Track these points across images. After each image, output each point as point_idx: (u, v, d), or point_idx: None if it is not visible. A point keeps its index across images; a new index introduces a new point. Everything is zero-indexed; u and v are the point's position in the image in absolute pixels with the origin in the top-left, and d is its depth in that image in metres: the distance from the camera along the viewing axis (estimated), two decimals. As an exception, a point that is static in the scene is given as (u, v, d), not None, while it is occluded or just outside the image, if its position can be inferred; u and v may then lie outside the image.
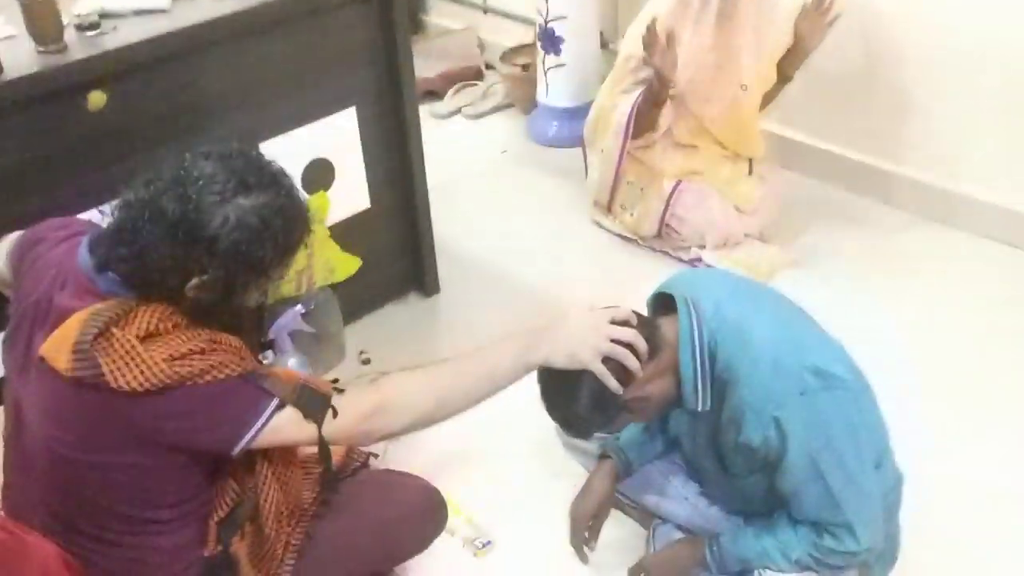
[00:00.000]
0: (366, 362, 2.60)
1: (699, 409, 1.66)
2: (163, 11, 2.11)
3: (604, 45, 3.68)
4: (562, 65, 3.53)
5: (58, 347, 1.41)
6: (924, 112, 2.98)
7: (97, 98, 1.96)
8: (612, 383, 1.55)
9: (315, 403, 1.50)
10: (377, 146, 2.55)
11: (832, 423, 1.60)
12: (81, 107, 1.95)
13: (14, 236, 1.67)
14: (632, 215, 2.98)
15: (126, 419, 1.43)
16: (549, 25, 3.47)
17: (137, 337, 1.40)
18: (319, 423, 1.49)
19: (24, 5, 1.91)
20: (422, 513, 1.86)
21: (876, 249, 2.97)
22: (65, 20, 1.98)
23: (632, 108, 2.82)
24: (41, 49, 1.92)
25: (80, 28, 2.00)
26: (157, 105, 2.07)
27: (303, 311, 2.32)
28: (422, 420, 1.57)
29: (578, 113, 3.53)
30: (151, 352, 1.39)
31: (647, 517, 2.04)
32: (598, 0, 3.56)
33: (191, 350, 1.42)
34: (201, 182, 1.42)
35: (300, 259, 2.38)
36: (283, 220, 1.46)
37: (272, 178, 1.48)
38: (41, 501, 1.55)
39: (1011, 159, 2.86)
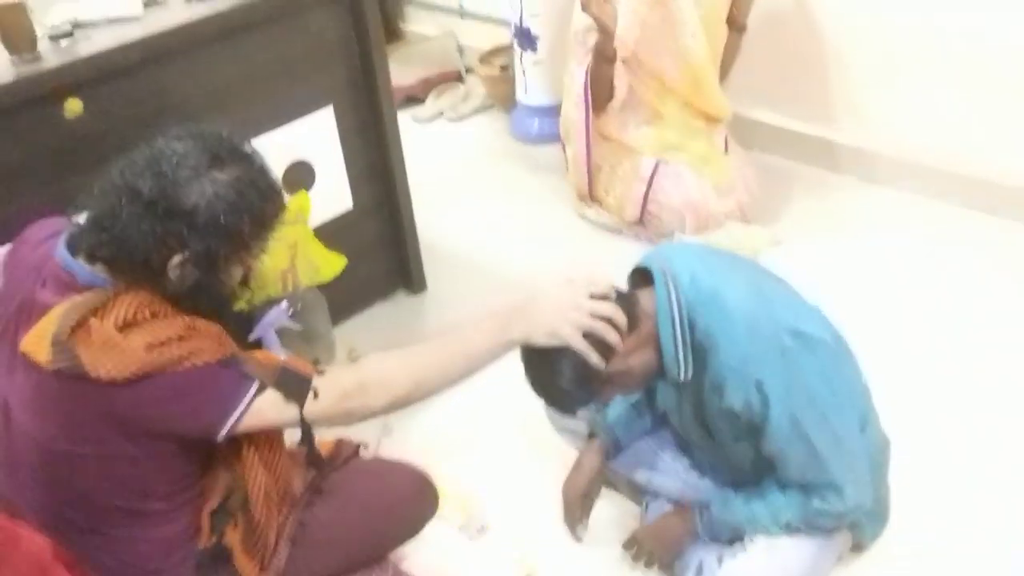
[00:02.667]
0: (355, 360, 2.61)
1: (681, 378, 1.67)
2: (135, 18, 2.13)
3: (581, 41, 3.71)
4: (539, 62, 3.56)
5: (38, 341, 1.42)
6: (894, 88, 3.01)
7: (73, 105, 1.98)
8: (593, 357, 1.57)
9: (296, 384, 1.51)
10: (356, 145, 2.57)
11: (813, 382, 1.62)
12: (58, 114, 1.97)
13: (3, 249, 1.69)
14: (614, 198, 3.00)
15: (109, 408, 1.44)
16: (524, 23, 3.50)
17: (115, 326, 1.41)
18: (300, 404, 1.51)
19: (-5, 16, 1.93)
20: (413, 499, 1.88)
21: (856, 223, 3.00)
22: (39, 31, 2.01)
23: (585, 73, 2.86)
24: (15, 59, 1.95)
25: (53, 38, 2.02)
26: (133, 110, 2.08)
27: (289, 310, 2.33)
28: (402, 399, 1.58)
29: (558, 109, 3.55)
30: (129, 340, 1.41)
31: (639, 493, 2.05)
32: (571, -5, 3.59)
33: (169, 337, 1.44)
34: (175, 159, 1.45)
35: (284, 258, 2.40)
36: (257, 192, 1.49)
37: (243, 153, 1.51)
38: (32, 498, 1.56)
39: (979, 129, 2.88)
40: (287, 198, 1.59)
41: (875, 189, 3.14)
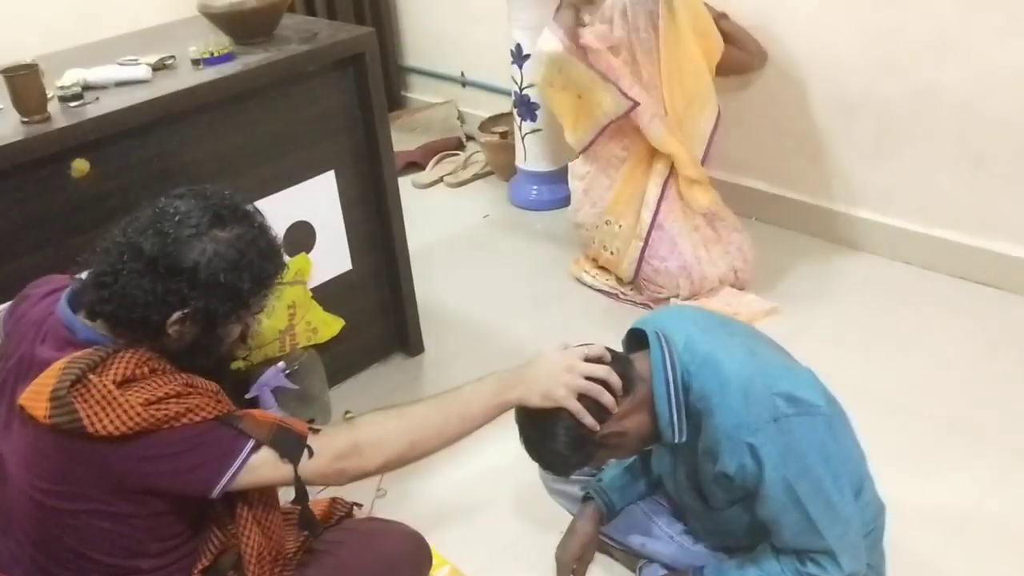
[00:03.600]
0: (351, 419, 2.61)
1: (676, 441, 1.68)
2: (144, 82, 2.18)
3: (579, 111, 3.79)
4: (538, 130, 3.62)
5: (36, 396, 1.43)
6: (887, 157, 3.06)
7: (81, 165, 2.02)
8: (588, 420, 1.59)
9: (291, 443, 1.51)
10: (357, 209, 2.61)
11: (806, 448, 1.62)
12: (65, 174, 2.01)
13: (4, 306, 1.71)
14: (612, 254, 3.03)
15: (104, 465, 1.44)
16: (524, 92, 3.57)
17: (114, 382, 1.42)
18: (295, 463, 1.51)
19: (8, 79, 1.98)
20: (406, 561, 1.86)
21: (852, 292, 3.03)
22: (50, 92, 2.06)
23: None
24: (25, 120, 1.99)
25: (63, 99, 2.07)
26: (139, 171, 2.13)
27: (286, 370, 2.35)
28: (396, 460, 1.59)
29: (556, 177, 3.62)
30: (127, 396, 1.42)
31: (633, 559, 2.04)
32: (571, 67, 3.66)
33: (167, 394, 1.45)
34: (177, 218, 1.48)
35: (283, 319, 2.42)
36: (258, 251, 1.51)
37: (245, 213, 1.54)
38: (22, 554, 1.56)
39: (974, 200, 2.93)
40: (287, 259, 1.61)
41: (870, 258, 3.17)
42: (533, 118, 3.60)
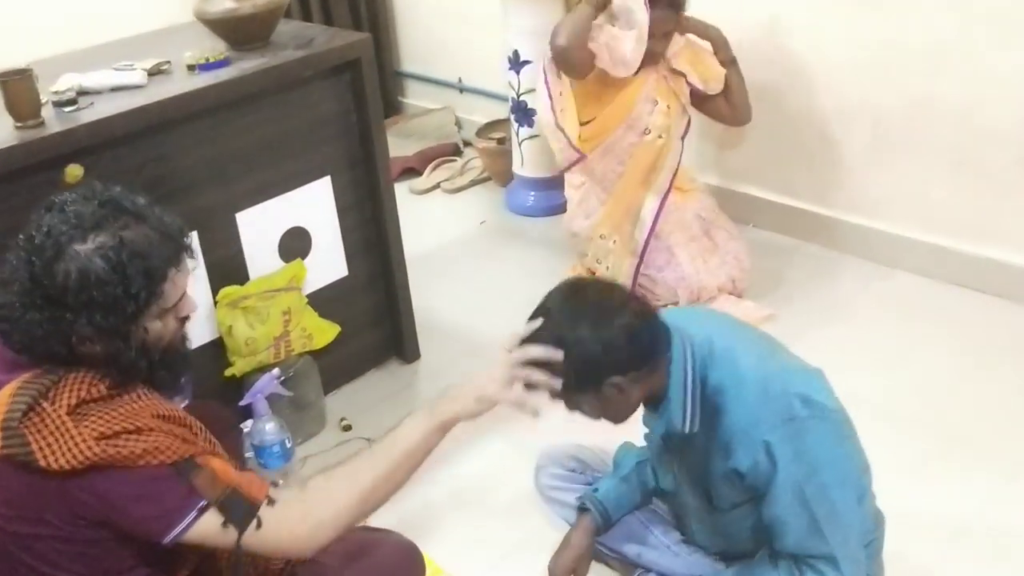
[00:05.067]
0: (347, 428, 2.60)
1: (685, 430, 1.66)
2: (139, 87, 2.18)
3: (577, 117, 3.78)
4: (535, 136, 3.62)
5: None
6: (885, 166, 3.06)
7: (74, 171, 2.01)
8: (531, 403, 1.56)
9: (240, 511, 1.44)
10: (353, 215, 2.60)
11: (818, 451, 1.61)
12: (58, 180, 1.99)
13: None
14: (607, 268, 3.02)
15: (61, 495, 1.39)
16: (521, 98, 3.57)
17: (67, 412, 1.37)
18: (240, 532, 1.44)
19: (2, 84, 1.97)
20: (400, 571, 1.85)
21: (849, 299, 3.02)
22: (44, 98, 2.05)
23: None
24: (19, 125, 1.98)
25: (58, 104, 2.06)
26: (134, 177, 2.11)
27: (281, 376, 2.34)
28: (351, 519, 1.55)
29: (553, 183, 3.61)
30: (80, 429, 1.36)
31: (629, 568, 2.03)
32: (568, 73, 3.66)
33: (125, 428, 1.38)
34: (37, 240, 1.39)
35: (278, 325, 2.41)
36: (129, 252, 1.39)
37: (113, 211, 1.42)
38: None
39: (970, 208, 2.93)
40: (183, 232, 1.51)
41: (867, 265, 3.17)
42: (530, 124, 3.60)
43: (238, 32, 2.36)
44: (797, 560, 1.67)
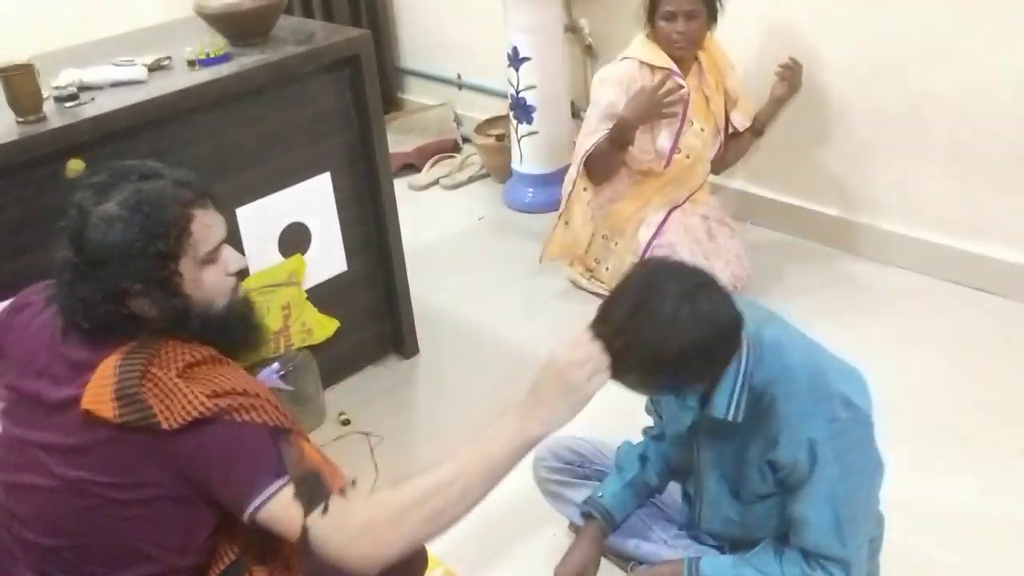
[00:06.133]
0: (346, 423, 2.62)
1: (729, 418, 1.64)
2: (140, 82, 2.18)
3: (575, 114, 3.79)
4: (534, 133, 3.63)
5: (98, 396, 1.43)
6: (883, 164, 3.07)
7: (75, 165, 2.01)
8: (599, 379, 1.44)
9: (313, 491, 1.43)
10: (352, 210, 2.61)
11: (854, 456, 1.62)
12: (60, 174, 2.00)
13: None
14: (607, 269, 3.03)
15: (172, 455, 1.44)
16: (520, 95, 3.58)
17: (178, 373, 1.44)
18: (307, 512, 1.42)
19: (4, 79, 1.98)
20: (402, 562, 1.85)
21: (846, 296, 3.04)
22: (45, 93, 2.05)
23: (592, 147, 2.86)
24: (20, 120, 1.99)
25: (59, 99, 2.07)
26: (134, 172, 2.13)
27: (280, 371, 2.35)
28: (417, 542, 1.49)
29: (552, 179, 3.62)
30: (192, 388, 1.43)
31: (626, 560, 2.04)
32: (567, 69, 3.68)
33: (233, 389, 1.45)
34: (68, 217, 1.48)
35: (277, 319, 2.42)
36: (147, 199, 1.46)
37: (126, 172, 1.50)
38: (34, 548, 1.54)
39: (967, 205, 2.94)
40: (199, 185, 1.55)
41: (864, 262, 3.18)
42: (529, 121, 3.61)
43: (238, 27, 2.37)
44: (808, 556, 1.67)
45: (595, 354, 1.45)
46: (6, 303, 1.71)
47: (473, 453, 1.44)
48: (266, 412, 1.46)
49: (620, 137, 2.80)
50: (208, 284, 1.53)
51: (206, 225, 1.52)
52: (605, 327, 1.48)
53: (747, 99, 3.01)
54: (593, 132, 2.86)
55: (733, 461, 1.74)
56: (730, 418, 1.65)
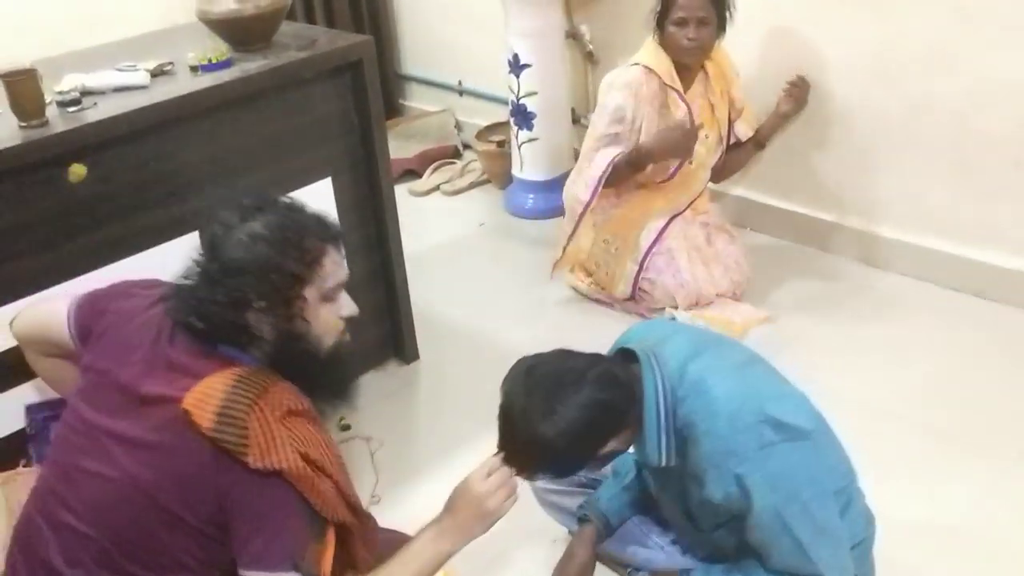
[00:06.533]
0: (346, 428, 2.62)
1: (662, 465, 1.68)
2: (142, 87, 2.19)
3: (576, 121, 3.80)
4: (535, 139, 3.64)
5: (200, 403, 1.48)
6: (883, 169, 3.08)
7: (77, 170, 2.02)
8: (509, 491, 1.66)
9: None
10: (353, 216, 2.61)
11: (794, 475, 1.61)
12: (62, 179, 2.01)
13: (71, 301, 1.76)
14: (607, 274, 3.04)
15: (225, 483, 1.49)
16: (521, 101, 3.59)
17: (280, 417, 1.50)
18: None
19: (7, 84, 1.99)
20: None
21: (846, 302, 3.04)
22: (48, 97, 2.06)
23: (608, 165, 2.86)
24: (23, 124, 2.00)
25: (62, 104, 2.08)
26: (136, 177, 2.14)
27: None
28: None
29: (552, 186, 3.63)
30: (287, 439, 1.49)
31: (624, 567, 2.04)
32: (567, 75, 3.69)
33: (317, 461, 1.52)
34: (212, 228, 1.57)
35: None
36: (294, 230, 1.56)
37: (274, 201, 1.61)
38: (70, 532, 1.55)
39: (967, 211, 2.95)
40: (336, 231, 1.67)
41: (863, 268, 3.19)
42: (530, 127, 3.62)
43: (241, 33, 2.38)
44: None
45: (505, 478, 1.64)
46: (103, 286, 1.78)
47: (403, 560, 1.64)
48: (324, 500, 1.54)
49: (639, 163, 2.83)
50: (322, 320, 1.62)
51: (335, 263, 1.63)
52: (502, 444, 1.65)
53: (750, 109, 3.02)
54: (601, 137, 2.87)
55: (681, 498, 1.76)
56: (663, 464, 1.67)
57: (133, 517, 1.52)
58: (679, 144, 2.80)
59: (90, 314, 1.72)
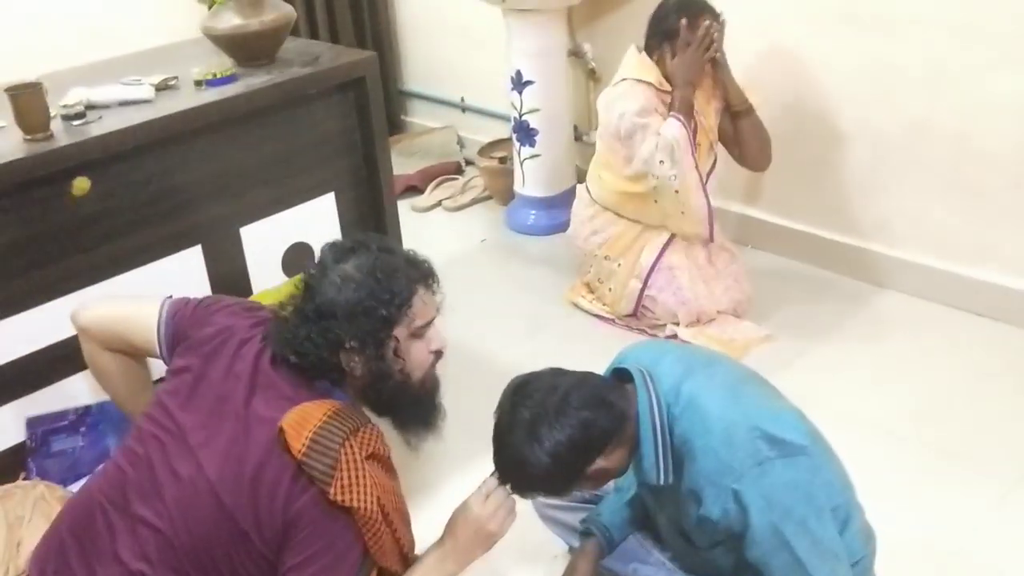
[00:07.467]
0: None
1: (659, 483, 1.68)
2: (147, 102, 2.20)
3: (578, 138, 3.82)
4: (537, 156, 3.65)
5: (297, 428, 1.52)
6: (883, 188, 3.09)
7: (82, 184, 2.03)
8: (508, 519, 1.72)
9: None
10: (356, 231, 2.61)
11: (790, 490, 1.61)
12: (66, 192, 2.02)
13: (165, 305, 1.83)
14: (610, 290, 3.04)
15: (294, 511, 1.52)
16: (523, 118, 3.60)
17: (365, 456, 1.55)
18: None
19: (12, 97, 2.00)
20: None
21: (846, 321, 3.04)
22: (53, 111, 2.07)
23: (678, 124, 2.78)
24: (28, 138, 2.00)
25: (67, 118, 2.09)
26: (140, 191, 2.14)
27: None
28: None
29: (554, 202, 3.64)
30: (371, 482, 1.54)
31: (623, 582, 2.04)
32: (569, 93, 3.70)
33: (390, 511, 1.58)
34: (312, 270, 1.67)
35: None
36: (384, 271, 1.62)
37: (365, 243, 1.68)
38: (162, 538, 1.57)
39: (968, 230, 2.96)
40: (427, 268, 1.73)
41: (865, 287, 3.19)
42: (532, 144, 3.63)
43: (245, 48, 2.39)
44: None
45: (502, 500, 1.69)
46: (197, 296, 1.85)
47: None
48: (381, 548, 1.59)
49: (688, 107, 2.81)
50: (413, 355, 1.67)
51: (425, 302, 1.68)
52: (496, 463, 1.69)
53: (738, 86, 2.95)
54: (646, 127, 2.79)
55: (678, 519, 1.76)
56: (661, 482, 1.68)
57: (208, 524, 1.56)
58: (692, 58, 2.78)
59: (191, 322, 1.77)
